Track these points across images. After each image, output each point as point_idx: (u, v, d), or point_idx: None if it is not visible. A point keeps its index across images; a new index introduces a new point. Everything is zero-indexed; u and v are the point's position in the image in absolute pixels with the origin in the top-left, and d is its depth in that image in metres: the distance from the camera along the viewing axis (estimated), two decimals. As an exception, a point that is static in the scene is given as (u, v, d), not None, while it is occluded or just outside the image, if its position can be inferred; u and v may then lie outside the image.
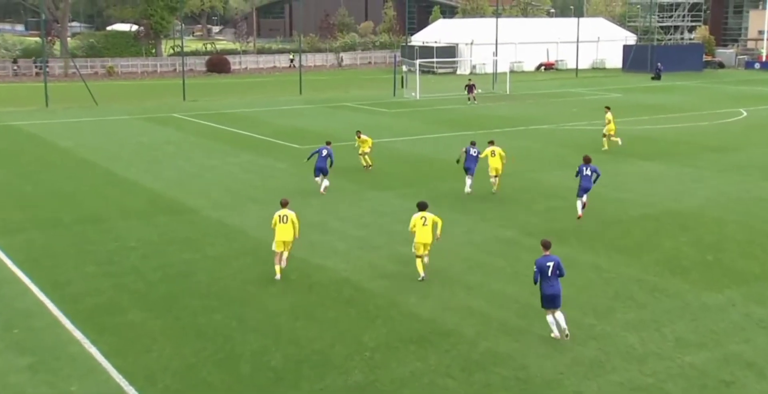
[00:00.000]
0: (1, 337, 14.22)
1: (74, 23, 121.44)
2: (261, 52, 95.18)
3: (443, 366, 12.98)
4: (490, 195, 25.06)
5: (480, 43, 79.27)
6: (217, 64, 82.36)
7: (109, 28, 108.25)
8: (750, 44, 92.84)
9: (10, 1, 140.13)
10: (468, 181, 24.95)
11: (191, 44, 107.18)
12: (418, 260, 17.07)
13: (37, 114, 48.12)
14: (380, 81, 69.48)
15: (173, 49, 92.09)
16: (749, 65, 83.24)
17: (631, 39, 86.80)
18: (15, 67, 77.23)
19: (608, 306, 15.61)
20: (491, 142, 25.46)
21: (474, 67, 79.87)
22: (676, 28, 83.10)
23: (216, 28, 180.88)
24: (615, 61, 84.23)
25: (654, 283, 16.92)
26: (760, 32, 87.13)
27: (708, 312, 15.30)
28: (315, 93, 60.01)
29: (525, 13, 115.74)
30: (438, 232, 17.10)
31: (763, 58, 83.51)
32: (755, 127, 40.49)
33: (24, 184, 27.48)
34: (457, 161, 25.61)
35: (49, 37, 77.88)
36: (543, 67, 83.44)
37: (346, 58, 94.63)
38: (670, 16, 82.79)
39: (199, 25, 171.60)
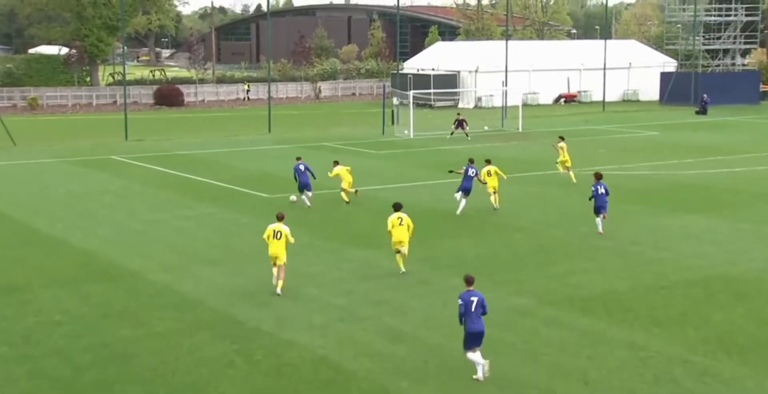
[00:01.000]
0: None
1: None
2: (221, 81, 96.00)
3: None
4: (497, 252, 25.14)
5: (486, 71, 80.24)
6: (168, 96, 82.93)
7: (31, 50, 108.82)
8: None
9: None
10: (462, 202, 30.18)
11: (135, 71, 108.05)
12: (398, 256, 22.40)
13: (-56, 156, 48.11)
14: (366, 116, 70.03)
15: (113, 78, 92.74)
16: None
17: (671, 65, 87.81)
18: None
19: (646, 393, 15.56)
20: (488, 162, 31.32)
21: (479, 99, 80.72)
22: (725, 51, 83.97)
23: (166, 52, 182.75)
24: (650, 91, 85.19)
25: (703, 365, 16.89)
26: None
27: (770, 400, 15.28)
28: (287, 131, 60.39)
29: (541, 35, 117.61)
30: (409, 234, 22.60)
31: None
32: (822, 172, 40.83)
33: (-75, 244, 27.34)
34: (450, 172, 32.18)
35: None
36: (563, 100, 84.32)
37: (325, 88, 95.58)
38: (719, 38, 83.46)
39: (146, 49, 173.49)
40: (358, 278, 22.98)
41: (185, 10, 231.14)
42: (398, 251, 22.51)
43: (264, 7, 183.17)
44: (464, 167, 30.84)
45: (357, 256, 25.27)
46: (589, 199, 27.57)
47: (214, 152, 49.49)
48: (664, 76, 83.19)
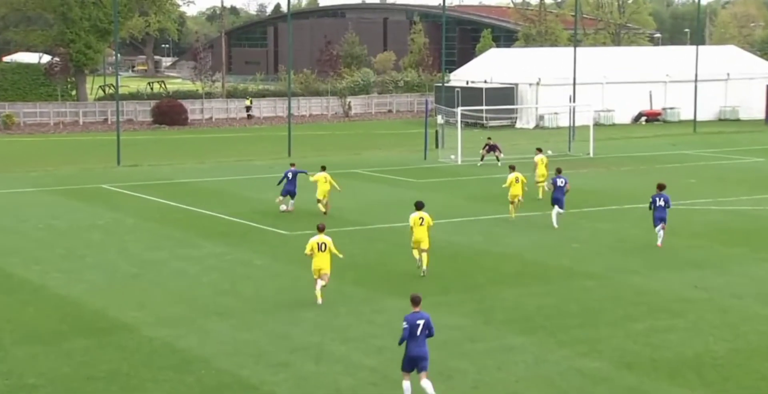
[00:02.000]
0: None
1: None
2: (232, 95, 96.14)
3: None
4: (564, 304, 24.92)
5: (550, 84, 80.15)
6: (168, 113, 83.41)
7: (6, 58, 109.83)
8: None
9: None
10: (555, 213, 35.10)
11: (130, 83, 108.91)
12: (415, 252, 27.85)
13: None
14: (405, 137, 70.18)
15: (103, 91, 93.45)
16: None
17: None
18: None
19: None
20: (512, 168, 36.47)
21: (541, 118, 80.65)
22: None
23: (167, 61, 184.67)
24: (754, 108, 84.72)
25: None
26: None
27: None
28: (311, 155, 60.45)
29: (617, 41, 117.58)
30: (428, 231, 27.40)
31: None
32: None
33: None
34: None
35: None
36: (644, 119, 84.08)
37: (356, 104, 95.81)
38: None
39: (143, 57, 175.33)
40: (391, 333, 22.81)
41: (190, 10, 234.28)
42: (415, 249, 27.96)
43: (284, 7, 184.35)
44: (551, 180, 36.23)
45: (391, 306, 25.10)
46: (649, 208, 31.47)
47: (223, 180, 49.71)
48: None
